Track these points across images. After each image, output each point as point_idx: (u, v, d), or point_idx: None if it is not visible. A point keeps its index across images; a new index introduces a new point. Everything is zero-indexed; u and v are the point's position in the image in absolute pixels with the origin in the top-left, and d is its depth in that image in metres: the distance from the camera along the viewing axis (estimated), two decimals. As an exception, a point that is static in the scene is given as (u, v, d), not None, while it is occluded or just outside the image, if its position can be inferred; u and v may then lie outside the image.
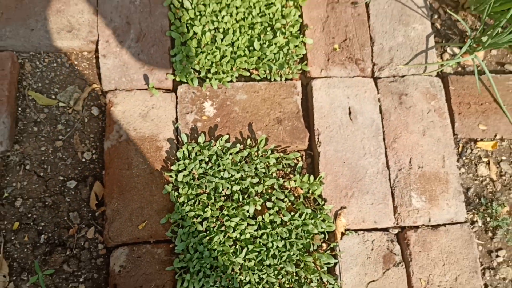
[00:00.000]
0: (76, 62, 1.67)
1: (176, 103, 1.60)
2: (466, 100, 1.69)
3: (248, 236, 1.44)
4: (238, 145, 1.54)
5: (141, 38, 1.65)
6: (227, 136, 1.56)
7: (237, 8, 1.67)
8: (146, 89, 1.61)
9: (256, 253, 1.41)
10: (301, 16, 1.73)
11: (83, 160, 1.58)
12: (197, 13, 1.66)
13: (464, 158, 1.65)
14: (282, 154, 1.57)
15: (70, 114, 1.62)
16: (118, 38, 1.64)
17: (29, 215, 1.49)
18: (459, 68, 1.76)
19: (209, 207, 1.46)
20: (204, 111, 1.60)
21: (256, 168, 1.52)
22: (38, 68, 1.65)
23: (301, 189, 1.52)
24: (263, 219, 1.46)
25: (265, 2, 1.68)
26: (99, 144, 1.60)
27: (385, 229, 1.54)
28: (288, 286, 1.41)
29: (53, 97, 1.63)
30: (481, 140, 1.67)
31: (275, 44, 1.65)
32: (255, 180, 1.50)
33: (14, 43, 1.61)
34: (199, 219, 1.45)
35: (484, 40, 1.63)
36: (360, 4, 1.74)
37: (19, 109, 1.60)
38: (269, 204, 1.48)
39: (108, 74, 1.61)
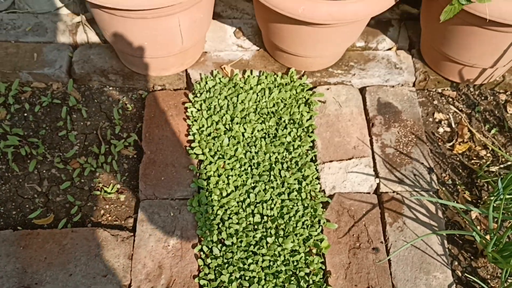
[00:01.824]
0: (107, 305, 1.74)
1: None
2: None
3: None
4: None
5: (170, 284, 1.73)
6: None
7: (262, 255, 1.76)
8: None
9: None
10: (323, 262, 1.80)
11: None
12: (225, 260, 1.75)
13: None
14: None
15: None
16: (149, 283, 1.73)
17: None
18: (485, 319, 1.74)
19: None
20: None
21: None
22: (70, 311, 1.72)
23: None
24: None
25: (289, 250, 1.78)
26: None
27: None
28: None
29: None
30: None
31: (299, 294, 1.70)
32: None
33: (52, 288, 1.72)
34: None
35: (508, 300, 1.65)
36: (381, 251, 1.81)
37: None
38: None
39: (136, 323, 1.66)
